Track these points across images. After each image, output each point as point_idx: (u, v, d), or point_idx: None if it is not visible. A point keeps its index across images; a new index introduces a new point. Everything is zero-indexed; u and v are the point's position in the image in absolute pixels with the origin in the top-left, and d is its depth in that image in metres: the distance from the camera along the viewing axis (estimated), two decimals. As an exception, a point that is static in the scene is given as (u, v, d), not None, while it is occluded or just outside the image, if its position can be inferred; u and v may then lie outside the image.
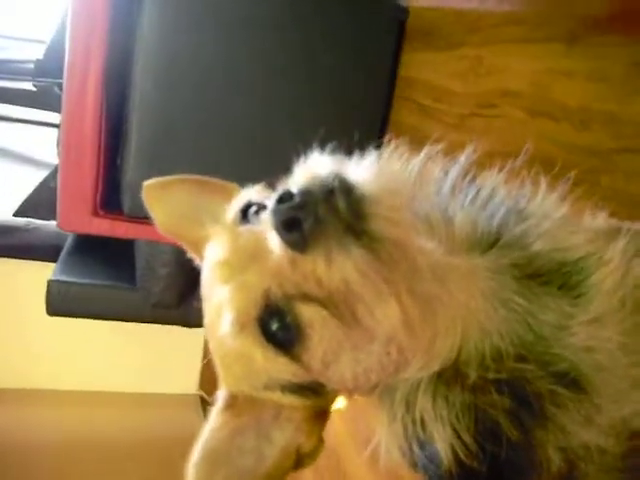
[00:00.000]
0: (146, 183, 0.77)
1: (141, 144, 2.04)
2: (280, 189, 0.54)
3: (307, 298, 0.56)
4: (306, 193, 0.51)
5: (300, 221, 0.51)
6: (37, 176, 3.60)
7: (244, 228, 0.63)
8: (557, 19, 1.39)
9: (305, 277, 0.54)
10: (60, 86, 2.84)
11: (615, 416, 0.72)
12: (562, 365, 0.66)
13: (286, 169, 0.60)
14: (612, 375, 0.68)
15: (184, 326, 3.45)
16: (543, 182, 0.73)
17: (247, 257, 0.58)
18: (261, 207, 0.64)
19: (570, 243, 0.70)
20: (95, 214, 2.00)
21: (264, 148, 2.08)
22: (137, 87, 1.96)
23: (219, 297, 0.60)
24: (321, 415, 0.67)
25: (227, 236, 0.62)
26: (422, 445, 0.66)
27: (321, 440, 0.67)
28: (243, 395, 0.65)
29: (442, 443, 0.64)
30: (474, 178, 0.73)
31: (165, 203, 0.77)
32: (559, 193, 0.74)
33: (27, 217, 3.71)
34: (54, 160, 3.43)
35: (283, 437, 0.66)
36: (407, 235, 0.57)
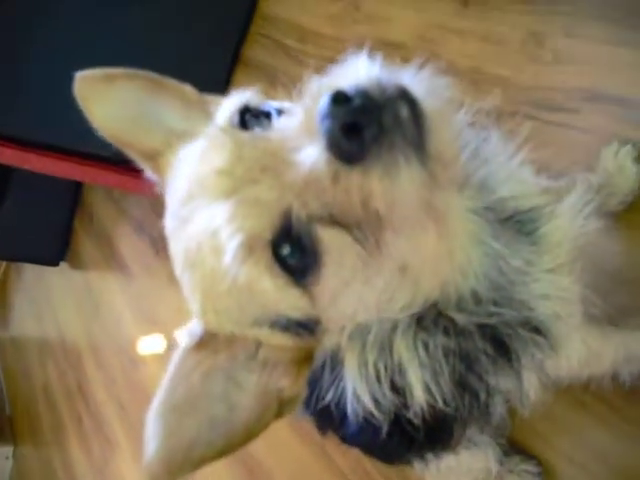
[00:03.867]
0: (81, 73, 0.61)
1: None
2: (331, 87, 0.44)
3: (332, 221, 0.49)
4: (367, 96, 0.43)
5: (360, 128, 0.42)
6: None
7: (248, 134, 0.53)
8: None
9: (346, 194, 0.46)
10: None
11: (562, 365, 0.76)
12: (527, 311, 0.67)
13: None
14: (564, 323, 0.71)
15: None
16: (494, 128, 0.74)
17: (258, 168, 0.48)
18: (261, 113, 0.55)
19: (525, 191, 0.72)
20: None
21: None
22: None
23: (213, 214, 0.49)
24: (307, 356, 0.60)
25: (225, 140, 0.51)
26: (395, 389, 0.63)
27: (303, 386, 0.60)
28: (221, 332, 0.56)
29: (418, 385, 0.62)
30: None
31: (108, 101, 0.62)
32: (512, 140, 0.75)
33: None
34: None
35: (254, 383, 0.57)
36: (458, 154, 0.52)
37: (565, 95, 1.14)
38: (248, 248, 0.49)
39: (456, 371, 0.63)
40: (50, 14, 1.82)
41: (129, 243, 2.74)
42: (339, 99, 0.43)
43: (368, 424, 0.76)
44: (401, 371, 0.62)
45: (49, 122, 1.88)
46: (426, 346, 0.62)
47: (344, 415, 0.79)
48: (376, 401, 0.63)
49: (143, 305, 2.54)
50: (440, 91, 0.49)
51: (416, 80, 0.47)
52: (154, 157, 0.61)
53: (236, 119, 0.55)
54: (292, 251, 0.50)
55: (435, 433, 0.77)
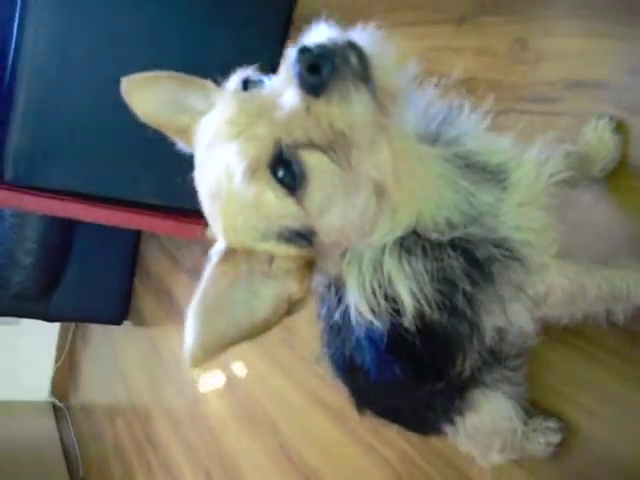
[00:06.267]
0: (126, 78, 0.81)
1: (25, 113, 1.96)
2: (298, 45, 0.62)
3: (312, 145, 0.65)
4: (323, 47, 0.61)
5: (319, 67, 0.60)
6: None
7: (248, 93, 0.71)
8: (447, 4, 1.58)
9: (317, 120, 0.63)
10: None
11: (535, 289, 0.88)
12: (498, 239, 0.80)
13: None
14: (537, 250, 0.83)
15: (44, 320, 3.30)
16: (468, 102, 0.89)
17: (255, 114, 0.65)
18: (258, 82, 0.72)
19: (493, 147, 0.86)
20: (-27, 180, 1.90)
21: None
22: (27, 50, 1.90)
23: (227, 152, 0.66)
24: (309, 264, 0.75)
25: (232, 100, 0.68)
26: (388, 299, 0.77)
27: (309, 288, 0.75)
28: (240, 248, 0.71)
29: (407, 295, 0.76)
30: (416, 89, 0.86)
31: (147, 95, 0.82)
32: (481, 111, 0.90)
33: None
34: None
35: (269, 292, 0.73)
36: (402, 90, 0.68)
37: (550, 87, 1.28)
38: (252, 170, 0.65)
39: (435, 280, 0.76)
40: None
41: (185, 290, 2.93)
42: (304, 51, 0.61)
43: (382, 359, 0.90)
44: (391, 284, 0.76)
45: (106, 176, 2.11)
46: (409, 262, 0.76)
47: (363, 362, 0.94)
48: (373, 312, 0.77)
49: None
50: (381, 41, 0.65)
51: (362, 35, 0.64)
52: (185, 131, 0.78)
53: (240, 86, 0.73)
54: (285, 173, 0.66)
55: (438, 359, 0.89)
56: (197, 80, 0.82)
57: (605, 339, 1.10)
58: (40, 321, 3.45)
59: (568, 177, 0.91)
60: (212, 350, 0.68)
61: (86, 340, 4.29)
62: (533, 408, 1.19)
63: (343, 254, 0.78)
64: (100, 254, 3.30)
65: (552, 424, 1.18)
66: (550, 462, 1.18)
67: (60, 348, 4.35)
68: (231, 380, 2.43)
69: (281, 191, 0.66)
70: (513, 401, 1.15)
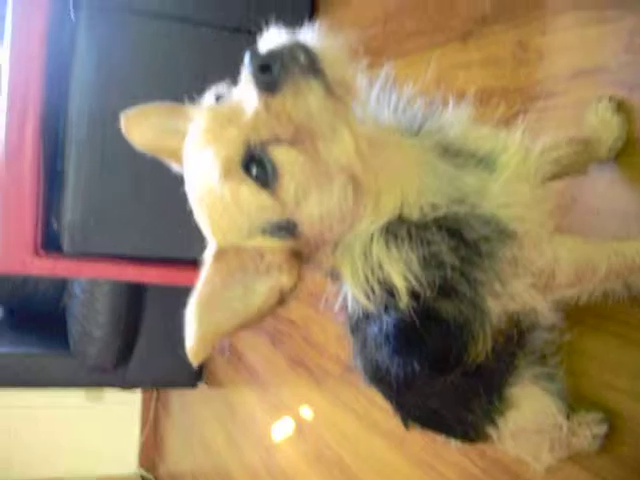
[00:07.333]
0: (124, 113, 0.89)
1: (78, 187, 2.11)
2: (250, 51, 0.68)
3: (278, 141, 0.70)
4: (272, 50, 0.67)
5: (270, 67, 0.65)
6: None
7: (218, 104, 0.77)
8: (450, 24, 1.63)
9: (277, 116, 0.68)
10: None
11: (536, 265, 0.87)
12: (487, 216, 0.81)
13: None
14: (530, 224, 0.84)
15: (122, 388, 3.41)
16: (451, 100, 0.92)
17: (226, 120, 0.71)
18: (228, 95, 0.78)
19: (478, 135, 0.89)
20: (36, 254, 2.03)
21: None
22: (73, 132, 2.06)
23: (206, 158, 0.71)
24: (297, 255, 0.79)
25: (206, 113, 0.74)
26: (381, 284, 0.79)
27: (298, 278, 0.78)
28: (230, 247, 0.76)
29: (397, 277, 0.78)
30: (393, 89, 0.90)
31: (143, 126, 0.90)
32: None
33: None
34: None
35: (264, 286, 0.76)
36: (352, 78, 0.72)
37: (553, 81, 1.29)
38: (226, 170, 0.70)
39: (422, 260, 0.78)
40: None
41: (249, 344, 2.98)
42: (256, 54, 0.67)
43: (398, 354, 0.91)
44: (381, 268, 0.79)
45: (157, 238, 2.22)
46: (396, 246, 0.79)
47: (384, 362, 0.95)
48: (368, 297, 0.80)
49: (269, 394, 2.73)
50: (328, 37, 0.70)
51: (310, 34, 0.70)
52: (176, 152, 0.84)
53: (212, 101, 0.79)
54: (258, 169, 0.71)
55: (449, 346, 0.88)
56: (181, 106, 0.89)
57: (630, 317, 1.07)
58: (122, 393, 3.57)
59: (558, 156, 0.92)
60: (210, 342, 0.73)
61: (167, 407, 4.38)
62: (575, 401, 1.16)
63: (335, 246, 0.81)
64: (170, 319, 3.38)
65: (597, 415, 1.14)
66: (604, 454, 1.14)
67: (144, 418, 4.45)
68: (300, 425, 2.44)
69: (255, 186, 0.71)
70: (554, 396, 1.13)
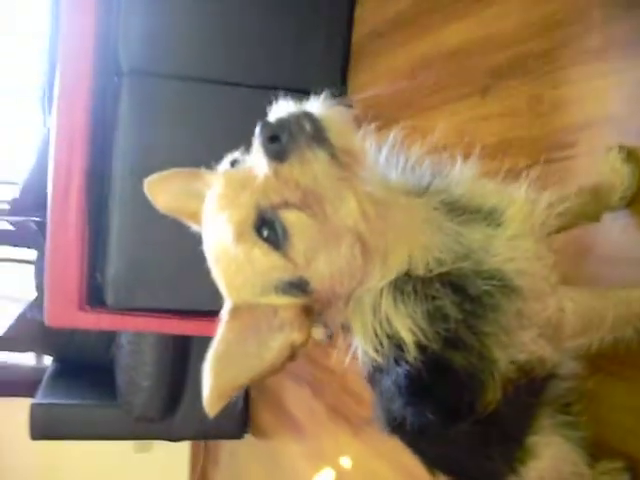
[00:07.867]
0: (147, 179, 0.97)
1: (121, 243, 2.22)
2: (261, 122, 0.74)
3: (288, 205, 0.75)
4: (281, 120, 0.73)
5: (279, 137, 0.71)
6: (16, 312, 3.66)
7: (234, 170, 0.83)
8: (468, 78, 1.68)
9: (286, 182, 0.73)
10: (36, 223, 3.05)
11: (541, 316, 0.89)
12: (491, 271, 0.84)
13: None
14: (533, 278, 0.86)
15: (169, 440, 3.45)
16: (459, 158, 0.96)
17: (239, 186, 0.77)
18: (243, 161, 0.83)
19: (484, 191, 0.92)
20: (81, 309, 2.13)
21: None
22: (117, 190, 2.18)
23: (221, 221, 0.77)
24: (308, 312, 0.83)
25: (222, 178, 0.80)
26: (390, 338, 0.83)
27: (309, 333, 0.82)
28: (244, 304, 0.81)
29: (404, 331, 0.82)
30: (402, 151, 0.95)
31: (165, 191, 0.97)
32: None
33: (6, 351, 3.76)
34: (31, 296, 3.45)
35: (277, 342, 0.81)
36: (358, 147, 0.77)
37: (565, 132, 1.32)
38: (239, 232, 0.76)
39: (428, 315, 0.81)
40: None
41: (292, 394, 3.01)
42: (266, 125, 0.73)
43: (411, 404, 0.93)
44: (390, 323, 0.83)
45: (196, 292, 2.29)
46: (403, 302, 0.83)
47: (398, 411, 0.98)
48: (377, 351, 0.84)
49: (310, 444, 2.74)
50: (336, 110, 0.76)
51: (316, 105, 0.76)
52: (196, 214, 0.90)
53: (228, 166, 0.85)
54: (269, 232, 0.76)
55: (461, 396, 0.90)
56: (200, 171, 0.96)
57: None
58: (171, 444, 3.61)
59: (565, 209, 0.95)
60: (225, 395, 0.77)
61: (215, 457, 4.40)
62: (597, 449, 1.15)
63: (346, 303, 0.86)
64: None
65: (618, 464, 1.13)
66: (629, 503, 1.12)
67: (192, 469, 4.48)
68: (340, 475, 2.44)
69: (266, 248, 0.76)
70: (575, 445, 1.12)
